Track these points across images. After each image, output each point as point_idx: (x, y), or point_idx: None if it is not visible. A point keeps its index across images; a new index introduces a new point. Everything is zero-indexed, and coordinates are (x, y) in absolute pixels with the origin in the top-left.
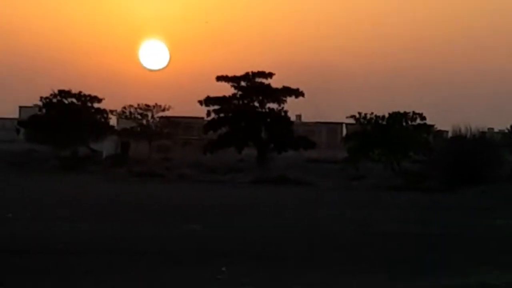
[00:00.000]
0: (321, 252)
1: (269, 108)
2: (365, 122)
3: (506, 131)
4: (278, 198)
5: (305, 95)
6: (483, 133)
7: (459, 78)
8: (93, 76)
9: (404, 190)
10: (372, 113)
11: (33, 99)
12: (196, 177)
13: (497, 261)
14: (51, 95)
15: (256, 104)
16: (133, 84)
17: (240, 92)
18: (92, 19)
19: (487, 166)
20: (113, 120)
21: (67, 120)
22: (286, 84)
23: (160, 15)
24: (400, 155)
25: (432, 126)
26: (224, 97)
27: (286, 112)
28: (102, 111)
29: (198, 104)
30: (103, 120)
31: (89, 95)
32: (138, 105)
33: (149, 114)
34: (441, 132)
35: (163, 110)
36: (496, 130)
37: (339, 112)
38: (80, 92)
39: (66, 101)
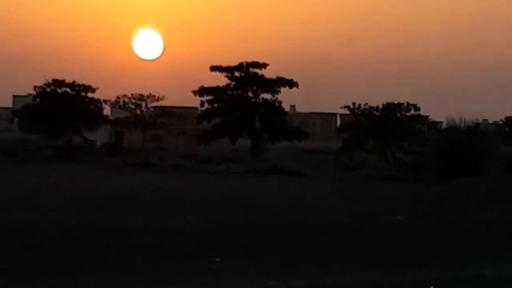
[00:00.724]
0: (315, 243)
1: (263, 98)
2: (359, 112)
3: (501, 122)
4: (271, 188)
5: (299, 86)
6: (477, 124)
7: (454, 69)
8: (87, 65)
9: (398, 181)
10: (366, 103)
11: (27, 89)
12: (190, 167)
13: (492, 253)
14: (45, 84)
15: (250, 94)
16: (127, 74)
17: (234, 83)
18: (86, 8)
19: (482, 158)
20: (107, 110)
21: (61, 109)
22: (280, 75)
23: (154, 5)
24: (394, 146)
25: (426, 117)
26: (218, 87)
27: (280, 102)
28: (96, 101)
29: (192, 94)
30: (97, 109)
31: (83, 85)
32: (132, 94)
33: (143, 104)
34: (435, 123)
35: (157, 100)
36: (490, 121)
37: (333, 102)
38: (74, 81)
39: (60, 91)
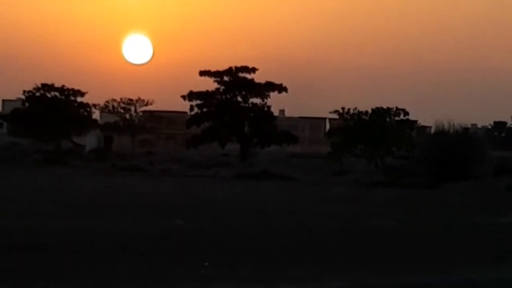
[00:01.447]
0: (304, 247)
1: (252, 103)
2: (348, 117)
3: (489, 127)
4: (261, 193)
5: (289, 90)
6: (466, 129)
7: (443, 74)
8: (77, 70)
9: (387, 186)
10: (355, 108)
11: (16, 93)
12: (179, 172)
13: (480, 257)
14: (34, 89)
15: (239, 99)
16: (117, 78)
17: (223, 87)
18: (75, 14)
19: (470, 162)
20: (96, 114)
21: (50, 114)
22: (270, 79)
23: (144, 10)
24: (383, 151)
25: (415, 121)
26: (207, 92)
27: (269, 107)
28: (85, 105)
29: (181, 99)
30: (86, 114)
31: (72, 89)
32: (121, 99)
33: (132, 109)
34: (424, 128)
35: (146, 104)
36: (479, 126)
37: (323, 107)
38: (63, 86)
39: (49, 95)
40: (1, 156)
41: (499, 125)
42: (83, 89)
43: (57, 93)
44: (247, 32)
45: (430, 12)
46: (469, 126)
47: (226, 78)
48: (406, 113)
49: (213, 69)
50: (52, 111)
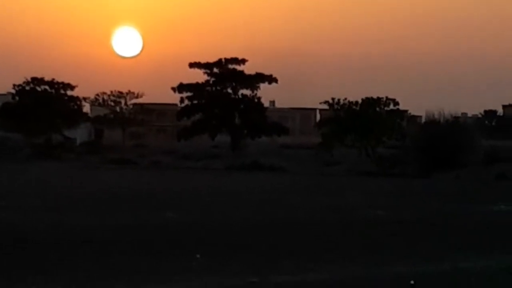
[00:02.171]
0: (296, 239)
1: (242, 94)
2: (339, 107)
3: (480, 116)
4: (252, 184)
5: (279, 81)
6: (456, 118)
7: (432, 64)
8: (66, 63)
9: (378, 175)
10: (345, 98)
11: (5, 87)
12: (170, 164)
13: (470, 246)
14: (24, 82)
15: (229, 90)
16: (107, 71)
17: (213, 79)
18: (65, 6)
19: (461, 151)
20: (86, 107)
21: (40, 107)
22: (259, 70)
23: (133, 3)
24: (373, 141)
25: (405, 111)
26: (197, 84)
27: (259, 98)
28: (75, 99)
29: (171, 91)
30: (76, 107)
31: (62, 83)
32: (111, 92)
33: (123, 101)
34: (414, 118)
35: (137, 97)
36: (469, 115)
37: (313, 97)
38: (53, 79)
39: (39, 89)
40: None
41: (490, 114)
42: (73, 83)
43: (47, 87)
44: (236, 23)
45: (418, 2)
46: (460, 115)
47: (216, 70)
48: (396, 103)
49: (203, 61)
50: (42, 105)
